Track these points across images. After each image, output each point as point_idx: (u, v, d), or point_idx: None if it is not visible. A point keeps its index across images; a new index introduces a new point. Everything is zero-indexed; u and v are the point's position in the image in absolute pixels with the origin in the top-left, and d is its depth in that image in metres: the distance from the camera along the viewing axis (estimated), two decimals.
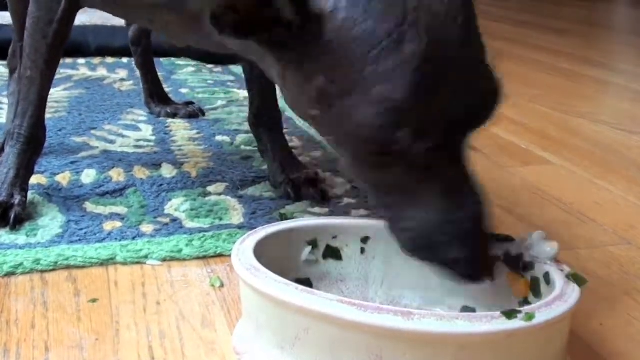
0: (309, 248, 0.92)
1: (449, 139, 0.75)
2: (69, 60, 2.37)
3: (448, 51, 0.71)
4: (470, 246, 0.76)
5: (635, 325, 0.93)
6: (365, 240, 0.92)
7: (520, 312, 0.71)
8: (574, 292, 0.75)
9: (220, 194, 1.27)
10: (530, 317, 0.70)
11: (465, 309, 0.87)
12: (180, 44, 1.16)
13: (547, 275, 0.80)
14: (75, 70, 2.28)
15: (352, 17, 0.71)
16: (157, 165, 1.40)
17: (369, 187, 0.81)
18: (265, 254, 0.83)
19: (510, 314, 0.70)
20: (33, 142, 1.21)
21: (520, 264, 0.83)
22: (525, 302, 0.82)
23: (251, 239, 0.86)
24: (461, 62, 0.73)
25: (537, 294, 0.81)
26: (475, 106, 0.76)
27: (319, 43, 0.73)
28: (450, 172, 0.77)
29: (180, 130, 1.66)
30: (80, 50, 2.44)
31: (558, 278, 0.78)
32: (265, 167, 1.36)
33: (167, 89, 1.92)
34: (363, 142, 0.73)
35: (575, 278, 0.78)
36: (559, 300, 0.73)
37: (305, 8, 0.72)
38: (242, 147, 1.53)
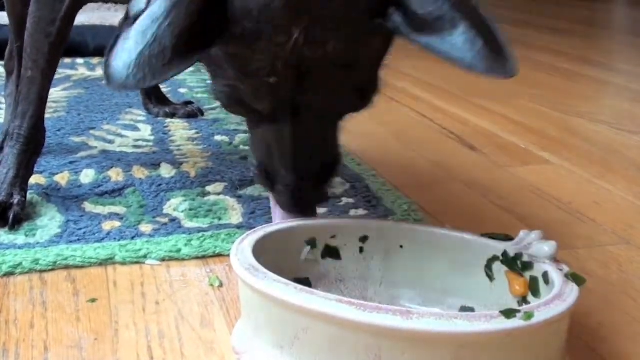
0: (307, 248, 0.91)
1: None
2: (67, 60, 2.38)
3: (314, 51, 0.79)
4: (289, 182, 0.88)
5: (633, 324, 0.93)
6: (364, 239, 0.92)
7: (519, 311, 0.70)
8: (572, 292, 0.75)
9: (219, 194, 1.27)
10: (529, 316, 0.70)
11: (464, 308, 0.87)
12: None
13: (545, 275, 0.80)
14: (74, 70, 2.28)
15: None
16: (156, 165, 1.40)
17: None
18: (264, 253, 0.83)
19: (509, 314, 0.70)
20: (33, 142, 1.22)
21: (519, 264, 0.83)
22: (524, 301, 0.82)
23: (250, 238, 0.85)
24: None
25: (536, 293, 0.81)
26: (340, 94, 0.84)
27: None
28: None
29: (179, 130, 1.66)
30: (79, 50, 2.45)
31: (557, 277, 0.78)
32: None
33: (165, 89, 1.92)
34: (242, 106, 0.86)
35: (574, 277, 0.78)
36: (557, 299, 0.73)
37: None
38: (241, 147, 1.54)
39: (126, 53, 0.71)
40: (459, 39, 0.70)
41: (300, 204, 0.90)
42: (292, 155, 0.87)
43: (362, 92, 0.85)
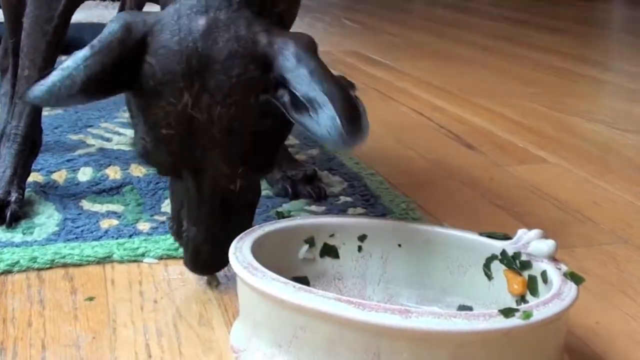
0: (306, 246, 0.92)
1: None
2: (65, 58, 2.36)
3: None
4: (192, 236, 0.91)
5: (631, 323, 0.93)
6: (362, 238, 0.92)
7: (517, 310, 0.71)
8: (571, 291, 0.75)
9: None
10: (527, 315, 0.70)
11: (463, 307, 0.88)
12: None
13: (544, 274, 0.80)
14: None
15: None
16: None
17: None
18: (262, 252, 0.83)
19: (507, 312, 0.70)
20: (30, 141, 1.22)
21: (517, 263, 0.83)
22: (523, 300, 0.82)
23: (249, 237, 0.85)
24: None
25: (535, 292, 0.81)
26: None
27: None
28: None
29: None
30: (76, 47, 2.43)
31: (555, 276, 0.78)
32: None
33: None
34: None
35: (572, 276, 0.78)
36: (556, 298, 0.73)
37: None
38: None
39: (50, 78, 0.84)
40: (324, 118, 0.77)
41: (201, 262, 0.93)
42: (195, 211, 0.90)
43: (253, 162, 0.88)
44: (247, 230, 0.88)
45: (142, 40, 0.84)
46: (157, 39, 0.84)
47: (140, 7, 1.80)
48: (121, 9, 1.83)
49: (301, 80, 0.80)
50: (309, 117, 0.78)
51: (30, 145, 1.22)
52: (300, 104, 0.79)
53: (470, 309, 0.87)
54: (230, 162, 0.86)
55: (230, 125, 0.84)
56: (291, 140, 1.56)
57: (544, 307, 0.72)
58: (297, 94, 0.79)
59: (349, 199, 1.26)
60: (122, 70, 0.84)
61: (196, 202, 0.89)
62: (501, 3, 4.49)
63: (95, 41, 0.86)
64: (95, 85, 0.84)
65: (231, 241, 0.85)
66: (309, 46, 0.82)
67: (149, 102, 0.85)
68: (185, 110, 0.83)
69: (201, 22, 0.83)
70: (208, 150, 0.85)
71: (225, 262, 0.87)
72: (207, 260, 0.92)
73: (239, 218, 0.92)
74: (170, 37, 0.83)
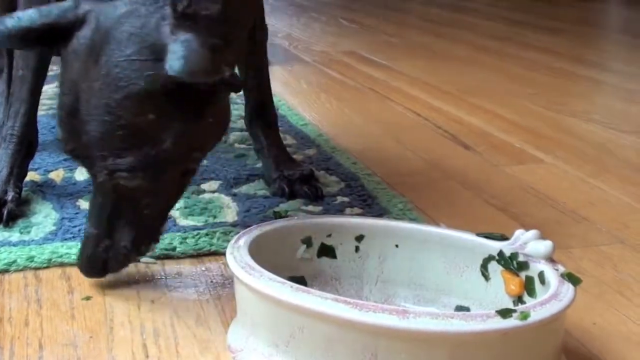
0: (303, 246, 0.92)
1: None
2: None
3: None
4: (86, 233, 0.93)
5: (628, 324, 0.93)
6: (359, 238, 0.92)
7: (515, 311, 0.71)
8: (568, 291, 0.76)
9: (214, 192, 1.27)
10: (525, 316, 0.70)
11: (460, 307, 0.88)
12: None
13: (541, 275, 0.81)
14: None
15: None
16: None
17: None
18: (259, 252, 0.83)
19: (505, 313, 0.70)
20: (26, 141, 1.22)
21: (514, 263, 0.84)
22: (520, 301, 0.83)
23: (246, 237, 0.86)
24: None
25: (532, 292, 0.82)
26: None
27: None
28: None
29: None
30: None
31: (552, 277, 0.78)
32: (259, 165, 1.36)
33: None
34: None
35: (569, 277, 0.78)
36: (553, 299, 0.74)
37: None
38: (236, 145, 1.53)
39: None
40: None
41: (90, 260, 0.94)
42: (91, 209, 0.93)
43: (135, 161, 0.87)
44: (245, 230, 0.88)
45: (82, 18, 0.87)
46: (89, 19, 0.86)
47: None
48: None
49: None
50: None
51: (26, 145, 1.22)
52: None
53: (467, 309, 0.87)
54: (106, 151, 0.86)
55: (108, 104, 0.84)
56: (289, 140, 1.56)
57: (541, 307, 0.72)
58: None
59: (346, 199, 1.26)
60: (54, 33, 0.88)
61: (93, 202, 0.93)
62: (498, 3, 4.49)
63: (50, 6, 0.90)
64: (25, 37, 0.89)
65: (117, 248, 0.91)
66: (205, 44, 0.82)
67: (61, 70, 0.89)
68: (74, 80, 0.86)
69: (122, 10, 0.85)
70: (88, 133, 0.86)
71: (109, 269, 0.93)
72: (86, 262, 0.94)
73: (129, 223, 0.92)
74: (95, 20, 0.86)
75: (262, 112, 1.33)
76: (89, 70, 0.85)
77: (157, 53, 0.82)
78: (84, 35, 0.86)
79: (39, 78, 1.21)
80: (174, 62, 0.79)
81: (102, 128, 0.85)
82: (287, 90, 2.14)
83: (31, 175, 1.29)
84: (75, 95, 0.86)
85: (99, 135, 0.85)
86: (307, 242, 0.92)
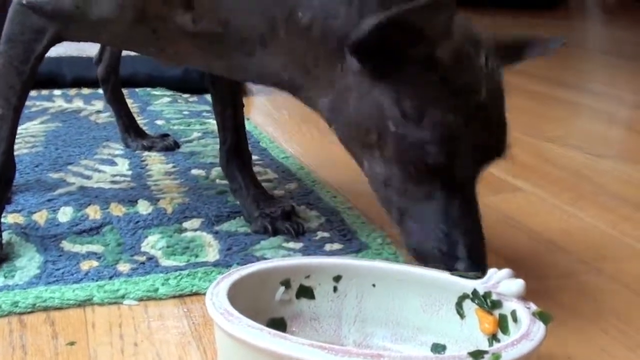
0: (282, 288, 0.93)
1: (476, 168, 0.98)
2: (44, 92, 2.38)
3: (494, 109, 0.96)
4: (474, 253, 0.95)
5: (604, 357, 0.95)
6: (337, 279, 0.94)
7: (487, 352, 0.72)
8: (539, 330, 0.77)
9: (195, 230, 1.28)
10: (496, 357, 0.72)
11: (436, 346, 0.89)
12: (177, 65, 1.18)
13: (514, 313, 0.82)
14: (51, 102, 2.29)
15: (452, 64, 0.94)
16: (133, 202, 1.41)
17: (395, 205, 0.99)
18: (239, 295, 0.85)
19: (477, 355, 0.72)
20: (4, 180, 1.20)
21: (488, 302, 0.85)
22: (495, 338, 0.84)
23: (225, 281, 0.87)
24: (492, 112, 0.96)
25: (506, 330, 0.83)
26: (495, 145, 0.99)
27: (422, 74, 0.93)
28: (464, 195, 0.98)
29: (156, 164, 1.68)
30: (55, 81, 2.45)
31: (524, 316, 0.80)
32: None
33: (143, 121, 1.93)
34: (418, 159, 0.94)
35: (540, 316, 0.80)
36: (524, 339, 0.75)
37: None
38: (217, 181, 1.55)
39: None
40: None
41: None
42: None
43: None
44: (224, 274, 0.89)
45: None
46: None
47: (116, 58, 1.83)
48: (102, 50, 1.85)
49: None
50: None
51: (4, 184, 1.21)
52: None
53: (443, 347, 0.89)
54: None
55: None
56: (270, 174, 1.58)
57: (512, 348, 0.74)
58: None
59: (326, 234, 1.27)
60: None
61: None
62: (476, 23, 4.52)
63: None
64: None
65: None
66: None
67: None
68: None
69: None
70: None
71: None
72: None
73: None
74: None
75: (240, 152, 1.35)
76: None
77: None
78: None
79: (18, 116, 1.20)
80: None
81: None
82: (268, 121, 2.16)
83: (15, 217, 1.31)
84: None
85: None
86: (286, 284, 0.93)
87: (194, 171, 1.62)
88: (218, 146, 1.40)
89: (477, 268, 0.92)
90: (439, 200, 0.96)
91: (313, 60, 1.00)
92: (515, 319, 0.82)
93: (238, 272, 0.90)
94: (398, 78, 0.93)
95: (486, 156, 0.98)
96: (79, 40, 1.22)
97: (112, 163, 1.68)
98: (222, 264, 1.14)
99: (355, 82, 0.96)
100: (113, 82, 1.83)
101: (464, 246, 0.94)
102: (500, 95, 0.97)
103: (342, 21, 0.95)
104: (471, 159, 0.95)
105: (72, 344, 0.95)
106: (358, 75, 0.95)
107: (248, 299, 0.86)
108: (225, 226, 1.30)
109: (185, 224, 1.31)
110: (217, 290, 0.84)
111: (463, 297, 0.88)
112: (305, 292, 0.94)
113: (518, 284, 0.84)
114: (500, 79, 0.98)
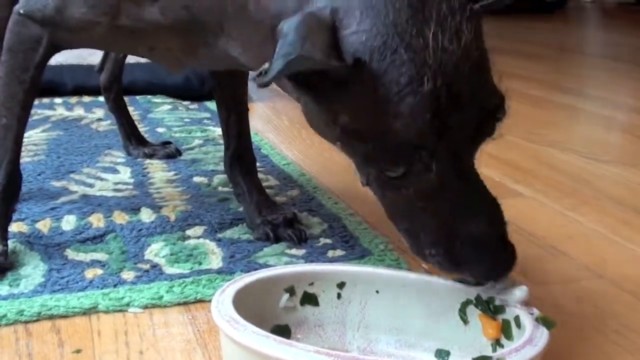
0: (286, 295, 0.94)
1: (459, 157, 0.84)
2: (45, 100, 2.39)
3: (460, 85, 0.81)
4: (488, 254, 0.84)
5: None
6: (341, 285, 0.94)
7: (490, 357, 0.73)
8: (542, 336, 0.78)
9: (199, 237, 1.29)
10: None
11: (440, 351, 0.90)
12: (178, 71, 1.18)
13: (517, 319, 0.83)
14: (53, 110, 2.30)
15: (382, 67, 0.79)
16: (136, 210, 1.41)
17: (387, 204, 0.90)
18: (244, 302, 0.86)
19: None
20: (10, 190, 1.22)
21: (491, 307, 0.86)
22: (498, 344, 0.85)
23: (230, 288, 0.88)
24: (470, 90, 0.82)
25: (509, 336, 0.84)
26: (484, 123, 0.85)
27: (348, 87, 0.81)
28: (464, 185, 0.85)
29: (158, 171, 1.68)
30: (57, 90, 2.46)
31: (527, 321, 0.81)
32: (241, 209, 1.38)
33: (144, 129, 1.94)
34: (379, 167, 0.84)
35: (543, 321, 0.81)
36: (528, 344, 0.76)
37: (344, 59, 0.80)
38: (220, 188, 1.56)
39: None
40: None
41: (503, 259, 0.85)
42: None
43: None
44: (230, 282, 0.90)
45: None
46: None
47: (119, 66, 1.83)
48: (104, 58, 1.86)
49: None
50: None
51: (10, 194, 1.22)
52: None
53: (447, 353, 0.89)
54: None
55: None
56: (271, 181, 1.59)
57: (516, 354, 0.74)
58: None
59: (328, 240, 1.28)
60: None
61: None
62: None
63: None
64: None
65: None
66: None
67: None
68: None
69: None
70: None
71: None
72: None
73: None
74: None
75: (243, 157, 1.36)
76: None
77: None
78: None
79: (23, 126, 1.22)
80: None
81: None
82: (269, 128, 2.17)
83: (19, 226, 1.31)
84: None
85: None
86: (291, 291, 0.94)
87: (196, 179, 1.63)
88: (219, 153, 1.40)
89: (490, 277, 0.85)
90: (435, 196, 0.85)
91: (264, 47, 0.91)
92: (518, 325, 0.83)
93: (243, 280, 0.91)
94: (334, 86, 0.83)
95: (478, 127, 0.84)
96: (72, 47, 1.23)
97: (114, 171, 1.69)
98: (226, 271, 1.15)
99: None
100: (116, 90, 1.83)
101: (470, 252, 0.84)
102: (468, 42, 0.82)
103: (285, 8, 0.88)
104: (450, 153, 0.82)
105: (78, 351, 0.96)
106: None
107: (253, 306, 0.87)
108: (228, 233, 1.31)
109: (188, 232, 1.31)
110: (223, 297, 0.85)
111: (467, 303, 0.89)
112: (310, 299, 0.94)
113: (521, 290, 0.85)
114: (466, 29, 0.82)
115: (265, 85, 0.76)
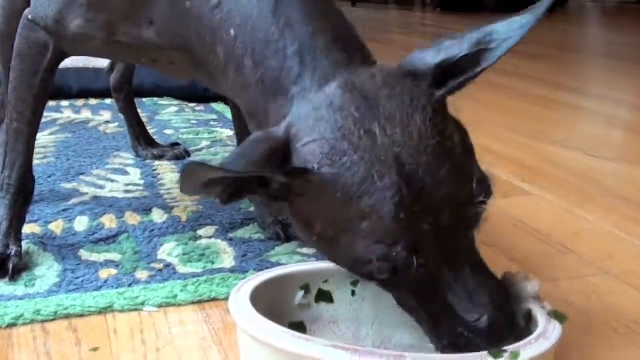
0: (301, 292, 0.95)
1: (445, 248, 0.80)
2: (52, 103, 2.39)
3: (421, 175, 0.78)
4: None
5: (614, 355, 0.97)
6: (355, 283, 0.96)
7: (505, 351, 0.75)
8: (555, 330, 0.79)
9: (210, 237, 1.31)
10: (515, 355, 0.74)
11: None
12: (184, 79, 1.19)
13: (529, 313, 0.84)
14: (60, 113, 2.31)
15: (334, 172, 0.78)
16: (147, 211, 1.43)
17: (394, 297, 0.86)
18: (260, 300, 0.87)
19: (496, 353, 0.74)
20: (23, 191, 1.24)
21: None
22: None
23: (247, 286, 0.89)
24: (434, 178, 0.78)
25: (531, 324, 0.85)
26: (464, 207, 0.80)
27: (309, 195, 0.81)
28: (457, 276, 0.81)
29: (168, 172, 1.70)
30: (62, 93, 2.47)
31: (540, 316, 0.82)
32: (252, 209, 1.39)
33: (151, 130, 1.95)
34: (364, 273, 0.80)
35: (556, 315, 0.82)
36: (541, 338, 0.78)
37: (292, 170, 0.80)
38: None
39: None
40: None
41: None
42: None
43: None
44: (245, 280, 0.92)
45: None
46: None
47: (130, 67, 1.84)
48: (112, 65, 1.87)
49: None
50: None
51: (24, 196, 1.25)
52: None
53: None
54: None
55: None
56: None
57: (530, 347, 0.76)
58: None
59: None
60: None
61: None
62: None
63: None
64: None
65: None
66: None
67: None
68: None
69: None
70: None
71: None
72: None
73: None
74: None
75: None
76: None
77: None
78: None
79: (34, 130, 1.24)
80: None
81: None
82: None
83: (31, 227, 1.33)
84: None
85: None
86: (305, 288, 0.95)
87: None
88: (227, 154, 1.41)
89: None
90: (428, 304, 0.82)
91: (254, 103, 0.93)
92: (530, 319, 0.84)
93: (259, 278, 0.92)
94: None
95: (458, 212, 0.80)
96: (77, 55, 1.25)
97: (124, 172, 1.70)
98: (239, 270, 1.16)
99: None
100: (126, 91, 1.85)
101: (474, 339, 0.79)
102: (424, 130, 0.80)
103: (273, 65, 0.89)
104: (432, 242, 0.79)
105: (95, 350, 0.97)
106: None
107: (268, 304, 0.88)
108: (240, 233, 1.32)
109: (200, 232, 1.33)
110: (240, 295, 0.87)
111: None
112: (325, 296, 0.96)
113: (534, 285, 0.86)
114: (423, 119, 0.81)
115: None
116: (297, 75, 0.86)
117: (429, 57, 0.85)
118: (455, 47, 0.84)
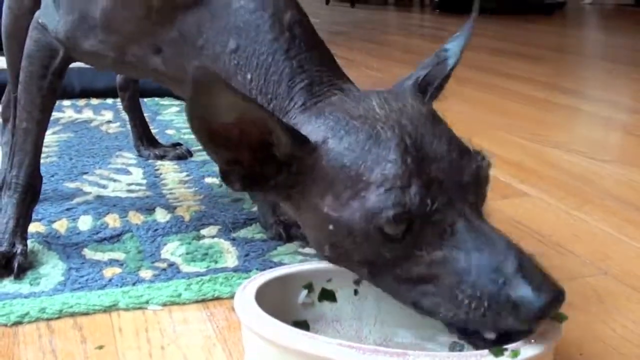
0: (305, 292, 0.97)
1: (455, 193, 0.82)
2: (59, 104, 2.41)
3: (424, 133, 0.85)
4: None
5: (613, 354, 0.98)
6: (357, 282, 0.97)
7: (506, 349, 0.76)
8: (555, 329, 0.81)
9: (213, 237, 1.32)
10: (515, 354, 0.76)
11: (455, 344, 0.92)
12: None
13: None
14: (62, 112, 2.32)
15: (339, 138, 0.85)
16: (150, 210, 1.44)
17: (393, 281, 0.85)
18: (264, 299, 0.88)
19: (497, 352, 0.76)
20: (30, 190, 1.26)
21: None
22: None
23: (251, 285, 0.90)
24: (436, 138, 0.85)
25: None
26: (466, 160, 0.85)
27: (315, 170, 0.85)
28: (470, 226, 0.84)
29: (170, 172, 1.71)
30: (64, 92, 2.47)
31: None
32: (254, 209, 1.41)
33: (153, 131, 1.96)
34: (379, 226, 0.79)
35: (555, 315, 0.83)
36: (541, 337, 0.79)
37: (300, 143, 0.85)
38: None
39: None
40: None
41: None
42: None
43: None
44: (249, 280, 0.93)
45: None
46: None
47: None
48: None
49: None
50: None
51: (31, 195, 1.26)
52: None
53: (462, 346, 0.92)
54: None
55: None
56: None
57: (530, 346, 0.77)
58: None
59: None
60: None
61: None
62: (478, 32, 4.56)
63: None
64: None
65: None
66: None
67: None
68: None
69: None
70: None
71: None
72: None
73: None
74: None
75: None
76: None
77: None
78: None
79: (42, 130, 1.27)
80: None
81: None
82: None
83: (36, 226, 1.34)
84: None
85: None
86: (309, 287, 0.97)
87: (208, 179, 1.65)
88: None
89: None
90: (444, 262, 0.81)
91: None
92: None
93: (263, 276, 0.93)
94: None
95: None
96: (87, 64, 1.27)
97: (127, 172, 1.71)
98: (242, 270, 1.18)
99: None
100: (132, 89, 1.86)
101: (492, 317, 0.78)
102: (429, 126, 0.86)
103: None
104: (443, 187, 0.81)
105: (101, 347, 0.99)
106: None
107: (272, 303, 0.89)
108: (242, 233, 1.34)
109: (203, 231, 1.34)
110: (245, 293, 0.88)
111: None
112: (328, 295, 0.97)
113: None
114: (419, 112, 0.87)
115: None
116: (302, 103, 0.92)
117: (409, 80, 0.98)
118: (425, 68, 0.99)
